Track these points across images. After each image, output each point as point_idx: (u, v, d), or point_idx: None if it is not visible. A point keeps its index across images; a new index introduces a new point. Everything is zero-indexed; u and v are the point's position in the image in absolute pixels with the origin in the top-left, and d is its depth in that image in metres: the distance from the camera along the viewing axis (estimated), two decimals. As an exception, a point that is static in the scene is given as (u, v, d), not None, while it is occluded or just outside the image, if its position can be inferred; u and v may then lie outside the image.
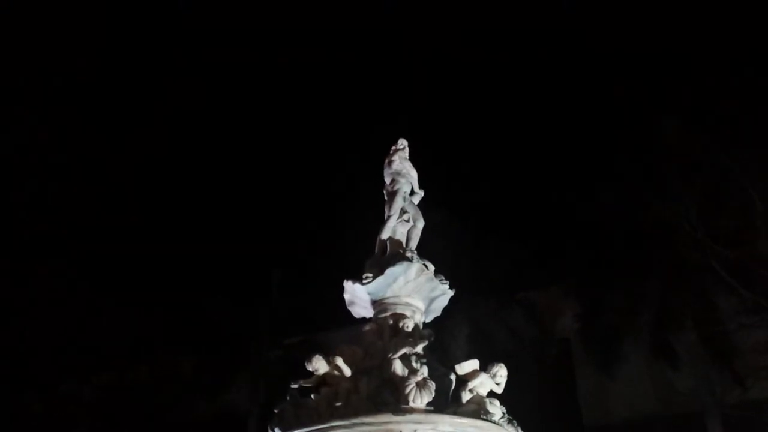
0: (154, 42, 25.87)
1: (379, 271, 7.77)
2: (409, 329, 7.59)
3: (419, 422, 6.43)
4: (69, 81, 23.66)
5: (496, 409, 6.98)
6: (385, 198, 8.57)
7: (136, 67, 26.11)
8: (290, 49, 27.07)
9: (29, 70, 23.18)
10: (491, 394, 7.21)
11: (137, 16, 26.73)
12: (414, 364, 6.94)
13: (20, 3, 22.97)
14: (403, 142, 8.89)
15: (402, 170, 8.65)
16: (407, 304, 7.89)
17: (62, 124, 22.80)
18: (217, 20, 26.99)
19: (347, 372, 7.18)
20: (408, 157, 8.84)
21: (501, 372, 7.30)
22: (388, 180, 8.66)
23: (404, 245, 8.26)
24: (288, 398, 7.23)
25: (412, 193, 8.72)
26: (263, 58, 26.50)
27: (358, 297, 8.10)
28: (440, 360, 7.89)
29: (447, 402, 7.21)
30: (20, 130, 21.83)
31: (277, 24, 26.65)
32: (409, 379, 6.69)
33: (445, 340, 14.03)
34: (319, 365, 7.17)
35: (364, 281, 7.83)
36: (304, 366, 7.32)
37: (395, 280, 7.76)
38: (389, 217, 8.33)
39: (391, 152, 8.80)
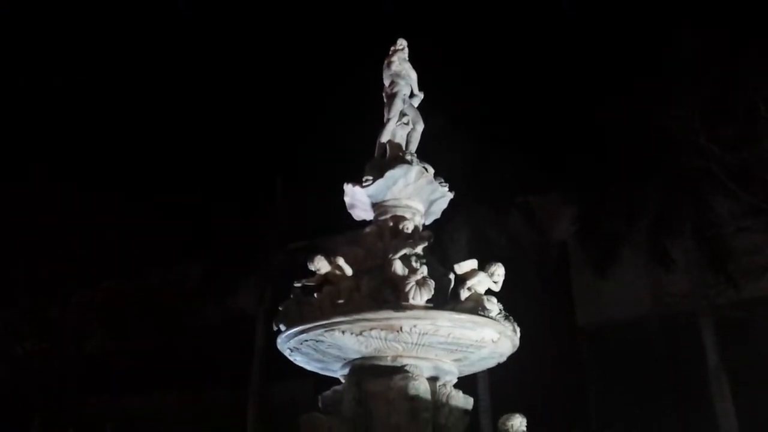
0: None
1: (378, 174, 7.77)
2: (409, 231, 7.65)
3: (419, 318, 6.62)
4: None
5: (494, 306, 7.14)
6: (384, 100, 8.42)
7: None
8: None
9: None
10: (489, 292, 7.35)
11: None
12: (414, 264, 7.05)
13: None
14: (402, 43, 8.61)
15: (401, 72, 8.43)
16: (407, 207, 7.93)
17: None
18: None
19: (348, 271, 7.33)
20: (407, 58, 8.62)
21: (498, 271, 7.42)
22: (387, 82, 8.46)
23: (404, 148, 8.19)
24: (292, 297, 7.39)
25: (412, 95, 8.56)
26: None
27: (359, 200, 8.13)
28: (440, 262, 8.03)
29: (446, 300, 7.38)
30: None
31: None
32: (409, 277, 6.84)
33: (444, 243, 14.28)
34: (321, 264, 7.31)
35: (364, 184, 7.85)
36: (308, 268, 7.47)
37: (395, 182, 7.77)
38: (388, 120, 8.21)
39: (390, 53, 8.56)
